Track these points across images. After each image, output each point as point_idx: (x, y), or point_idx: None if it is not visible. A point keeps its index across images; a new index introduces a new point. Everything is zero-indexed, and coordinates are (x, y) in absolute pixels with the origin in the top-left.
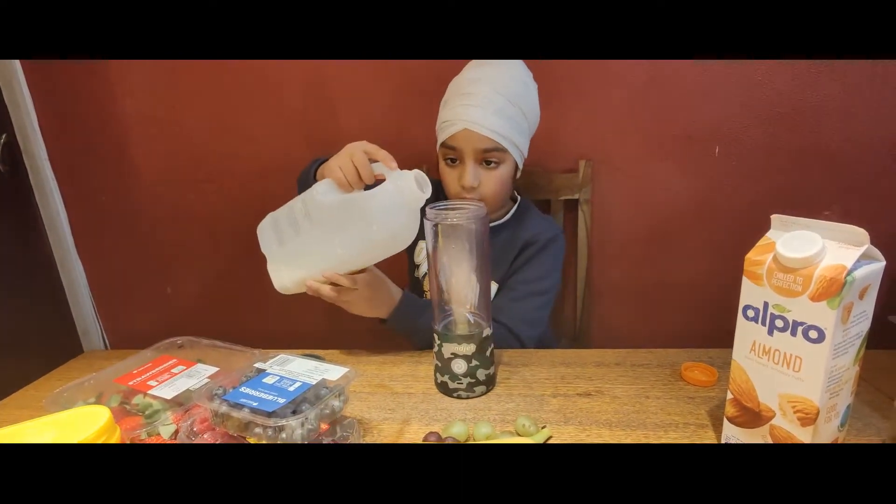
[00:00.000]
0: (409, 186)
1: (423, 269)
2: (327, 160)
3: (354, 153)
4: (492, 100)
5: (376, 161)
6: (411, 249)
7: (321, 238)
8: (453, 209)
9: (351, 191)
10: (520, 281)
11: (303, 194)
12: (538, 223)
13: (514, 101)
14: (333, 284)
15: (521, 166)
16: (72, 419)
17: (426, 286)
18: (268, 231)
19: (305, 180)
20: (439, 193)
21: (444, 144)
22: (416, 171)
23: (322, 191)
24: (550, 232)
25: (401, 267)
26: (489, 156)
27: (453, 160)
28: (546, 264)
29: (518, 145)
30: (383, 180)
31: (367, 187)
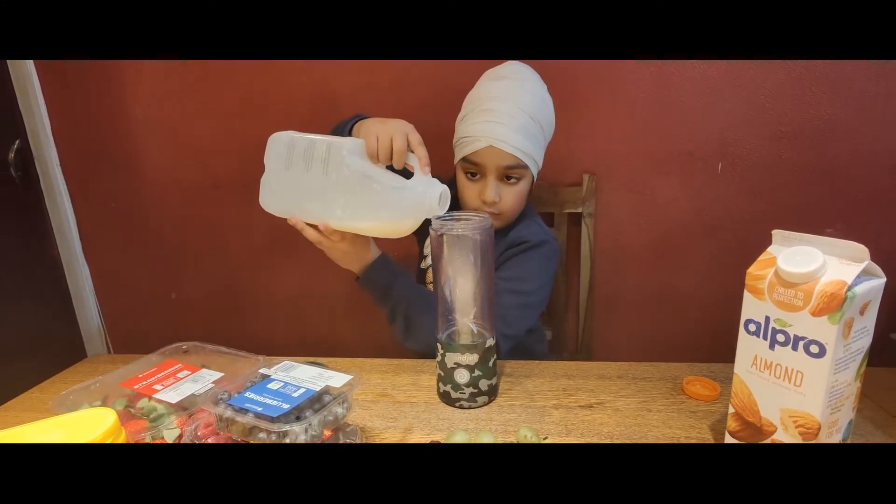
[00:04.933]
0: (433, 199)
1: (430, 260)
2: (367, 118)
3: (397, 135)
4: (514, 116)
5: (412, 153)
6: (422, 238)
7: (327, 191)
8: (458, 220)
9: (377, 163)
10: (499, 278)
11: (332, 138)
12: (528, 226)
13: (535, 117)
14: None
15: (535, 178)
16: (78, 421)
17: (429, 277)
18: (280, 148)
19: (340, 131)
20: (455, 204)
21: (465, 159)
22: (445, 186)
23: (350, 149)
24: (539, 236)
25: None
26: (511, 172)
27: (474, 174)
28: (529, 265)
29: (536, 160)
30: (409, 171)
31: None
